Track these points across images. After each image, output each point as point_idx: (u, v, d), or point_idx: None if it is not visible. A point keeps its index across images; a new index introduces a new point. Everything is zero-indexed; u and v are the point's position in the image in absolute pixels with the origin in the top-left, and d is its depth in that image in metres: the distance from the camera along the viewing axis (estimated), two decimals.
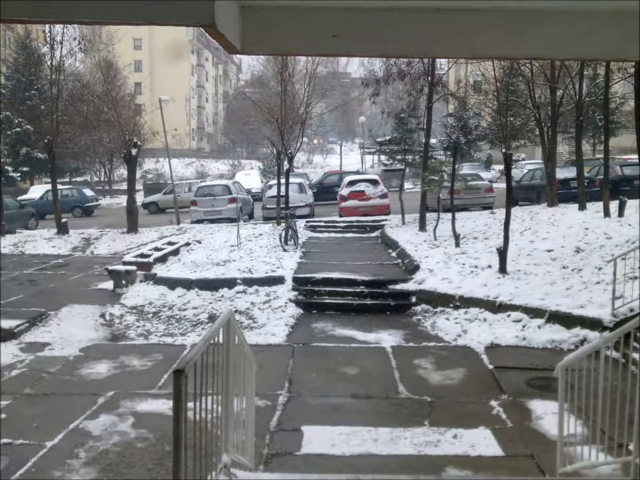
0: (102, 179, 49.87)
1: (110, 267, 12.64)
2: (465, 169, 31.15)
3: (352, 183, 22.49)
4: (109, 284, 12.23)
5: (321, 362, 7.96)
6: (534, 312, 8.88)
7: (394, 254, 14.18)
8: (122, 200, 33.52)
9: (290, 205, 18.12)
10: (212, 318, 10.00)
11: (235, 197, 22.11)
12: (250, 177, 37.69)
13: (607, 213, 15.07)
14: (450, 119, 31.04)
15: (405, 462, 5.22)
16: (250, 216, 25.02)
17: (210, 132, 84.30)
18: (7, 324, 9.36)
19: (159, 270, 12.97)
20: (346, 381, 7.27)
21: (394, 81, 18.77)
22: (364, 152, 52.09)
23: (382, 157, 35.30)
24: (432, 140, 24.56)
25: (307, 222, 20.23)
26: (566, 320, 8.45)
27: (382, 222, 18.99)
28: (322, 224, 20.10)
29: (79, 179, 49.28)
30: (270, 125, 23.47)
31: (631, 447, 3.91)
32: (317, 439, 5.63)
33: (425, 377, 7.36)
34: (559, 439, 4.47)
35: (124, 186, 29.90)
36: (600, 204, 15.83)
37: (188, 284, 11.66)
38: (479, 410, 6.29)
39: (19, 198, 27.21)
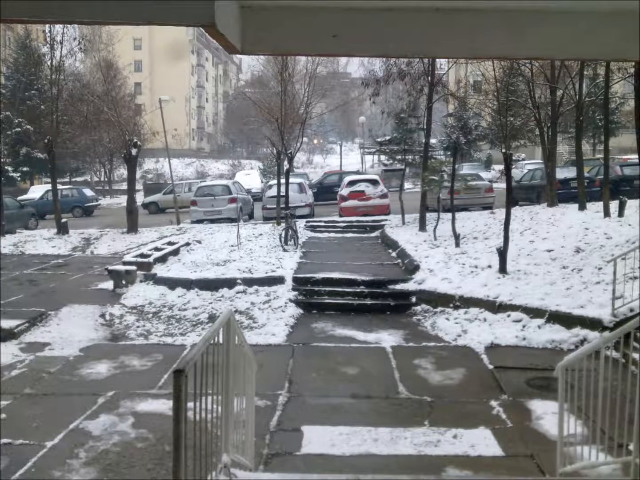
0: (102, 179, 49.87)
1: (110, 267, 12.64)
2: (465, 169, 31.15)
3: (352, 183, 22.49)
4: (109, 284, 12.23)
5: (321, 362, 7.96)
6: (534, 312, 8.88)
7: (394, 254, 14.18)
8: (122, 200, 33.52)
9: (290, 205, 18.12)
10: (212, 318, 10.00)
11: (235, 197, 22.11)
12: (250, 177, 37.69)
13: (607, 213, 15.07)
14: (450, 119, 31.05)
15: (405, 462, 5.22)
16: (250, 216, 25.02)
17: (210, 132, 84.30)
18: (7, 324, 9.36)
19: (159, 270, 12.97)
20: (346, 381, 7.27)
21: (394, 81, 18.77)
22: (364, 152, 52.09)
23: (382, 157, 35.30)
24: (432, 140, 24.57)
25: (307, 222, 20.23)
26: (566, 320, 8.45)
27: (382, 222, 18.99)
28: (322, 224, 20.10)
29: (79, 179, 49.28)
30: (270, 125, 23.47)
31: (631, 447, 3.91)
32: (317, 439, 5.63)
33: (425, 377, 7.36)
34: (559, 439, 4.47)
35: (124, 186, 29.91)
36: (600, 204, 15.83)
37: (188, 284, 11.66)
38: (479, 410, 6.29)
39: (19, 198, 27.21)
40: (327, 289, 11.25)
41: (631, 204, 15.04)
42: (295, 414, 6.31)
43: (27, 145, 36.63)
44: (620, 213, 14.82)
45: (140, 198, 30.86)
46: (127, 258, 13.70)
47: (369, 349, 8.52)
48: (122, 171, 43.34)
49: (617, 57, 5.24)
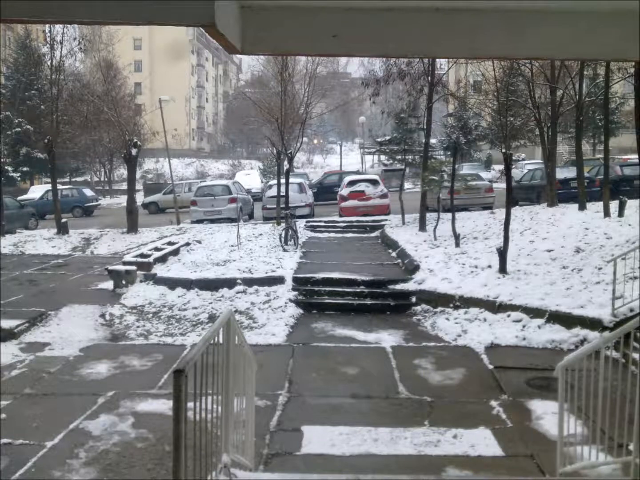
0: (102, 179, 49.88)
1: (110, 267, 12.64)
2: (465, 169, 31.15)
3: (352, 183, 22.49)
4: (109, 284, 12.23)
5: (321, 362, 7.96)
6: (534, 312, 8.88)
7: (394, 254, 14.18)
8: (122, 200, 33.53)
9: (290, 205, 18.12)
10: (212, 318, 10.00)
11: (235, 197, 22.11)
12: (250, 177, 37.70)
13: (607, 213, 15.07)
14: (450, 119, 31.05)
15: (405, 462, 5.22)
16: (250, 216, 25.02)
17: (210, 132, 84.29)
18: (7, 324, 9.36)
19: (159, 270, 12.97)
20: (346, 381, 7.27)
21: (394, 81, 18.77)
22: (364, 152, 52.09)
23: (382, 157, 35.30)
24: (432, 140, 24.56)
25: (307, 222, 20.23)
26: (566, 320, 8.45)
27: (382, 222, 18.99)
28: (322, 224, 20.10)
29: (79, 179, 49.28)
30: (270, 125, 23.48)
31: (631, 447, 3.91)
32: (317, 439, 5.63)
33: (425, 377, 7.36)
34: (559, 439, 4.47)
35: (124, 186, 29.91)
36: (600, 204, 15.84)
37: (188, 284, 11.66)
38: (479, 410, 6.29)
39: (19, 198, 27.20)
40: (327, 289, 11.25)
41: (631, 204, 15.04)
42: (295, 414, 6.31)
43: (27, 145, 36.63)
44: (620, 213, 14.82)
45: (140, 198, 30.86)
46: (127, 258, 13.70)
47: (369, 349, 8.52)
48: (122, 171, 43.34)
49: (617, 57, 5.24)
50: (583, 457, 4.32)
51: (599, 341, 4.48)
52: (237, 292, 11.15)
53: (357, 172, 35.93)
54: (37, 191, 33.09)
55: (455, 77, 29.35)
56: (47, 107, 25.87)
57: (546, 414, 6.00)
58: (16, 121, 36.15)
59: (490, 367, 7.60)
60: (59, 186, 26.32)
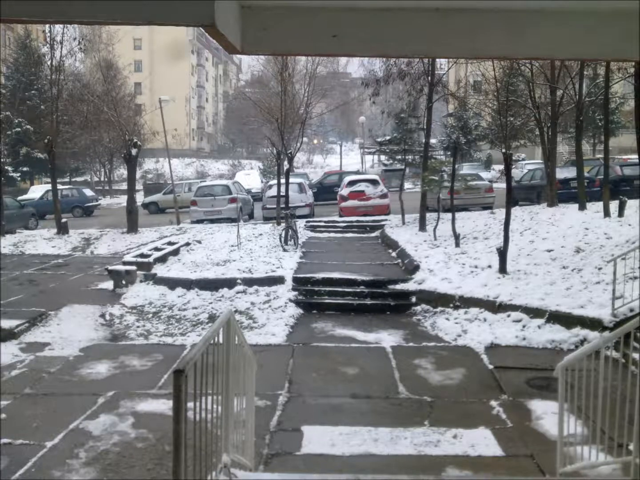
0: (102, 179, 49.88)
1: (110, 267, 12.65)
2: (465, 169, 31.16)
3: (352, 183, 22.50)
4: (109, 284, 12.23)
5: (321, 362, 7.96)
6: (534, 312, 8.88)
7: (394, 254, 14.18)
8: (122, 200, 33.51)
9: (290, 205, 18.13)
10: (212, 318, 10.00)
11: (235, 197, 22.12)
12: (250, 177, 37.70)
13: (607, 213, 15.07)
14: (450, 119, 31.10)
15: (405, 462, 5.22)
16: (250, 216, 25.03)
17: (210, 132, 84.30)
18: (7, 324, 9.36)
19: (159, 270, 12.97)
20: (346, 381, 7.27)
21: (394, 81, 18.79)
22: (364, 152, 52.11)
23: (382, 157, 35.33)
24: (432, 140, 24.58)
25: (307, 222, 20.23)
26: (566, 320, 8.45)
27: (382, 222, 19.00)
28: (322, 224, 20.10)
29: (79, 179, 49.25)
30: (270, 125, 23.56)
31: (631, 447, 3.91)
32: (317, 439, 5.63)
33: (425, 377, 7.36)
34: (559, 439, 4.47)
35: (124, 186, 29.91)
36: (600, 204, 15.84)
37: (188, 284, 11.66)
38: (479, 410, 6.29)
39: (19, 198, 27.20)
40: (327, 289, 11.25)
41: (631, 204, 15.04)
42: (295, 414, 6.31)
43: (27, 145, 36.68)
44: (620, 213, 14.82)
45: (140, 198, 30.85)
46: (127, 258, 13.70)
47: (369, 349, 8.52)
48: (122, 171, 43.32)
49: (617, 57, 5.24)
50: (583, 457, 4.32)
51: (599, 341, 4.48)
52: (237, 292, 11.15)
53: (357, 172, 35.92)
54: (37, 191, 33.06)
55: (455, 77, 29.35)
56: (47, 107, 25.97)
57: (546, 414, 6.00)
58: (16, 121, 36.18)
59: (490, 367, 7.60)
60: (59, 186, 26.31)
